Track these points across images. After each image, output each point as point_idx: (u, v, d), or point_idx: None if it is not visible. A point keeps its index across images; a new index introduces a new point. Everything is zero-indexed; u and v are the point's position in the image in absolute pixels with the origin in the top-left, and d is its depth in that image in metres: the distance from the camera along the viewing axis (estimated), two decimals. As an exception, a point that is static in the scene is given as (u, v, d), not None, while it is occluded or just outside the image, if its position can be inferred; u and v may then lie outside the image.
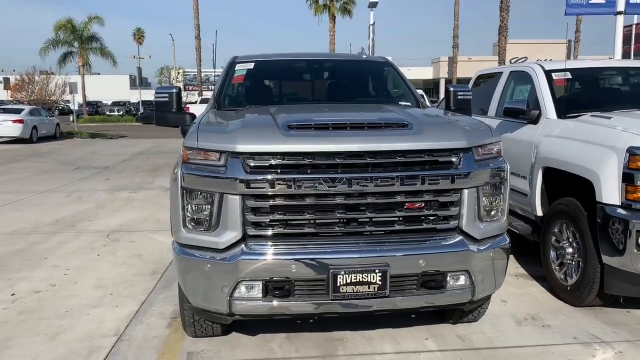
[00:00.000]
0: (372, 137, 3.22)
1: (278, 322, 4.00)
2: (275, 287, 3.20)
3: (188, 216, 3.30)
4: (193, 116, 4.67)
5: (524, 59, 41.38)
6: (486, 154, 3.41)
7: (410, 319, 4.19)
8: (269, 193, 3.12)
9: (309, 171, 3.14)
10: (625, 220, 3.91)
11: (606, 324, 4.18)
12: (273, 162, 3.13)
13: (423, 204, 3.27)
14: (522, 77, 5.98)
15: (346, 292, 3.13)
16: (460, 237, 3.33)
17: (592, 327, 4.12)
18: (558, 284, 4.71)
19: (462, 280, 3.34)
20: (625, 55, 30.17)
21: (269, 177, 3.10)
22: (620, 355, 3.70)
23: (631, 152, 3.91)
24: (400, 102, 4.81)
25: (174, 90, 4.59)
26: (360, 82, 5.19)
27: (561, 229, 4.71)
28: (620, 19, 11.39)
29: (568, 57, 43.19)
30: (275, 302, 3.21)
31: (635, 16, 31.61)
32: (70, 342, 3.97)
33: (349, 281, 3.11)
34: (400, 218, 3.27)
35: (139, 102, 55.22)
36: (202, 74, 50.12)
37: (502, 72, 6.52)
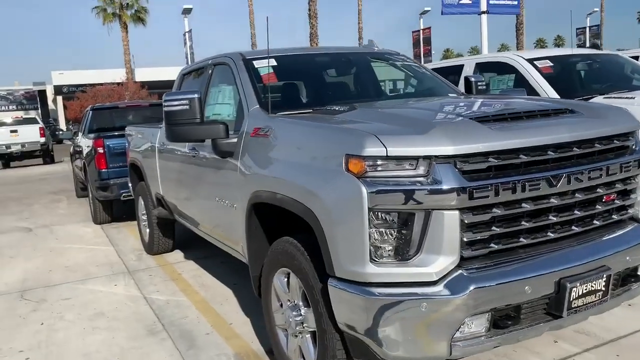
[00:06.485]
0: (575, 126, 2.83)
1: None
2: (501, 317, 2.61)
3: (376, 245, 2.51)
4: (226, 126, 3.72)
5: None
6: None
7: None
8: (493, 202, 2.52)
9: (521, 170, 2.63)
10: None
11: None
12: (490, 163, 2.54)
13: (615, 195, 3.00)
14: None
15: (578, 306, 2.69)
16: (637, 224, 3.13)
17: None
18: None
19: (642, 269, 3.15)
20: (416, 56, 33.82)
21: (493, 182, 2.51)
22: None
23: None
24: (449, 94, 4.44)
25: (195, 95, 3.60)
26: (400, 76, 4.69)
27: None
28: (485, 18, 12.57)
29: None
30: (502, 335, 2.61)
31: (422, 21, 35.82)
32: None
33: (581, 293, 2.67)
34: (599, 213, 2.94)
35: None
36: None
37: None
